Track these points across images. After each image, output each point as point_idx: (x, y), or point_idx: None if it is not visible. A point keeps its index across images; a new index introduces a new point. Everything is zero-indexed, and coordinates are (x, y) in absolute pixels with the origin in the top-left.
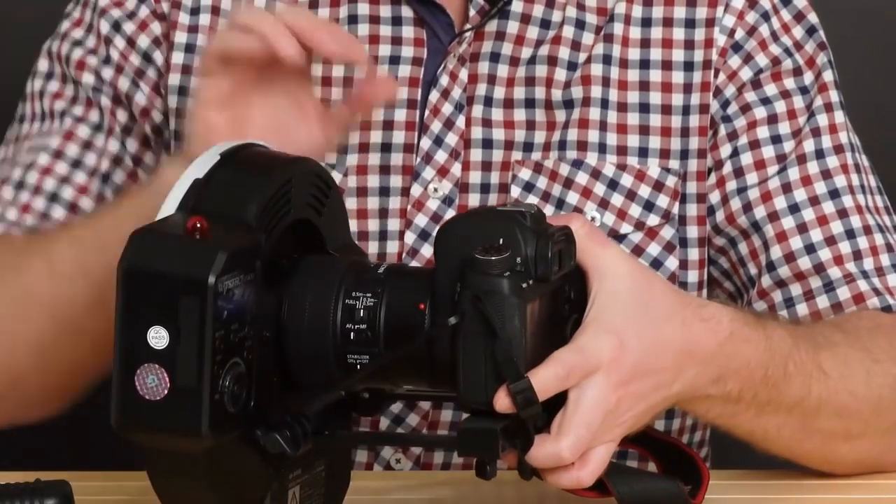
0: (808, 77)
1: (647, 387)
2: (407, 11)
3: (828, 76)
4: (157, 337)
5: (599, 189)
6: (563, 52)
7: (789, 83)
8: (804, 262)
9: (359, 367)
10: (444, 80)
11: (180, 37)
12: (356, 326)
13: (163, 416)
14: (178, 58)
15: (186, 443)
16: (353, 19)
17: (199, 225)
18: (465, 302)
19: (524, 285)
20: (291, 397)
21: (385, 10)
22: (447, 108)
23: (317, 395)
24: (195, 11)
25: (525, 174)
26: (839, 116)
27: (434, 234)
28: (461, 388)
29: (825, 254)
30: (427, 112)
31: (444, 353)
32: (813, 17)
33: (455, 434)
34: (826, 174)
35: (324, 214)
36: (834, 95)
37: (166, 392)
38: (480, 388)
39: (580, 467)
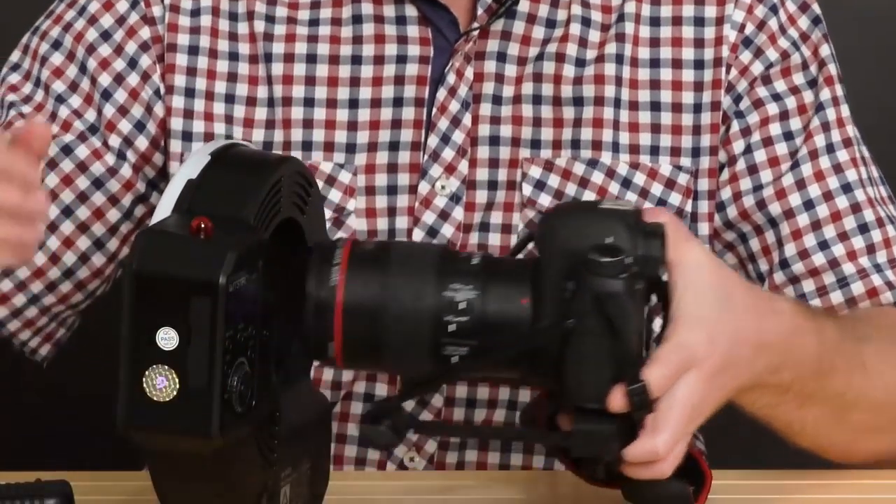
0: (813, 69)
1: (728, 379)
2: (411, 10)
3: (832, 69)
4: (167, 338)
5: (614, 188)
6: (571, 49)
7: (797, 78)
8: (818, 259)
9: (453, 359)
10: (451, 79)
11: (182, 39)
12: (456, 319)
13: (172, 418)
14: (181, 59)
15: (196, 443)
16: (357, 19)
17: (203, 225)
18: (582, 302)
19: (637, 286)
20: (289, 396)
21: (389, 10)
22: (454, 106)
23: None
24: (195, 13)
25: (535, 172)
26: (845, 110)
27: (441, 230)
28: (571, 386)
29: (838, 249)
30: (434, 110)
31: (550, 350)
32: (816, 8)
33: (560, 433)
34: (837, 168)
35: (306, 213)
36: (839, 89)
37: (175, 393)
38: (593, 387)
39: (663, 460)
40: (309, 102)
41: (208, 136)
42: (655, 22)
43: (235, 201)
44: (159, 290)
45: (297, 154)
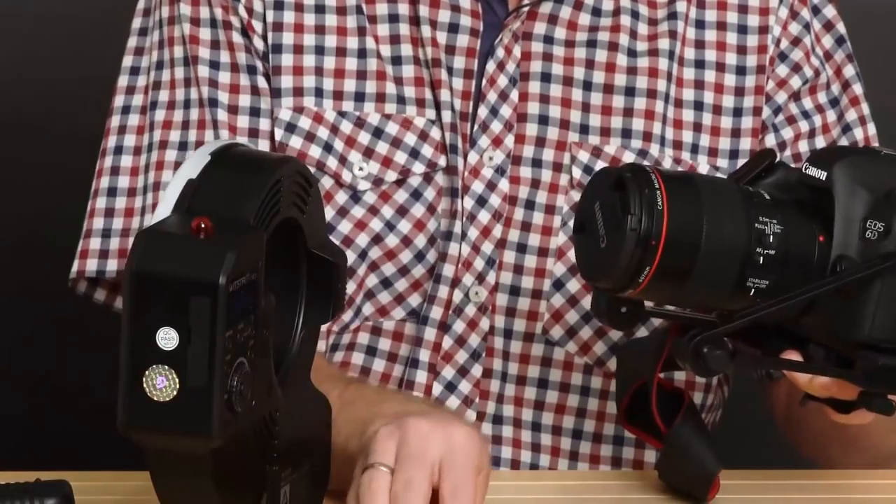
0: (835, 88)
1: None
2: None
3: (857, 89)
4: (167, 338)
5: None
6: (623, 39)
7: (822, 97)
8: None
9: (753, 291)
10: (500, 53)
11: None
12: (766, 251)
13: (172, 417)
14: (267, 16)
15: (196, 443)
16: None
17: (203, 225)
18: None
19: None
20: (289, 396)
21: None
22: (502, 81)
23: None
24: None
25: (583, 157)
26: (871, 129)
27: (489, 200)
28: (868, 324)
29: None
30: (484, 82)
31: (851, 288)
32: (841, 27)
33: (858, 369)
34: None
35: (306, 213)
36: (865, 108)
37: (175, 393)
38: (893, 325)
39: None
40: (397, 60)
41: (297, 91)
42: (700, 25)
43: (235, 201)
44: (159, 290)
45: (391, 106)
